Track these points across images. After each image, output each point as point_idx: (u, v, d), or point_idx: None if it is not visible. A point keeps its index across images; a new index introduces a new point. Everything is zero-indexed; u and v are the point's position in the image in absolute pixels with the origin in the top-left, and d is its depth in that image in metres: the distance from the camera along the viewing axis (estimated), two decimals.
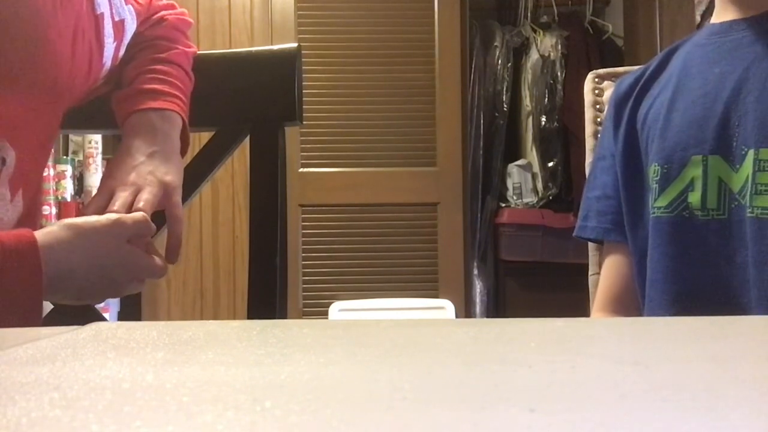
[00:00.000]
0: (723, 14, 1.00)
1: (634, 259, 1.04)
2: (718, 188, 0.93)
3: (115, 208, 0.84)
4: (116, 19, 0.95)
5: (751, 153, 0.90)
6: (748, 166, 0.90)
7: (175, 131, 0.94)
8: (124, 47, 0.98)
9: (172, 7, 1.05)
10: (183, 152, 0.96)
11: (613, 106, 1.08)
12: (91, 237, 0.79)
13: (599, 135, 1.13)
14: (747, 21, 0.96)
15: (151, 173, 0.88)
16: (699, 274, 0.94)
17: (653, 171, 0.98)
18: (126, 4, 0.97)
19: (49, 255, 0.74)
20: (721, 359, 0.38)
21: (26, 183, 0.85)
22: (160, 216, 0.88)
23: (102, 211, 0.84)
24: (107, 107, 0.98)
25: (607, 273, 1.09)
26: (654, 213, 0.97)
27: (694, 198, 0.94)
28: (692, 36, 1.07)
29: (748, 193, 0.90)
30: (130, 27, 0.98)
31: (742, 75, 0.93)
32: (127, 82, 0.96)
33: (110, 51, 0.95)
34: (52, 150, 0.94)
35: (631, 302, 1.06)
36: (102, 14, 0.93)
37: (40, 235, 0.75)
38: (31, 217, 0.87)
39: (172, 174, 0.90)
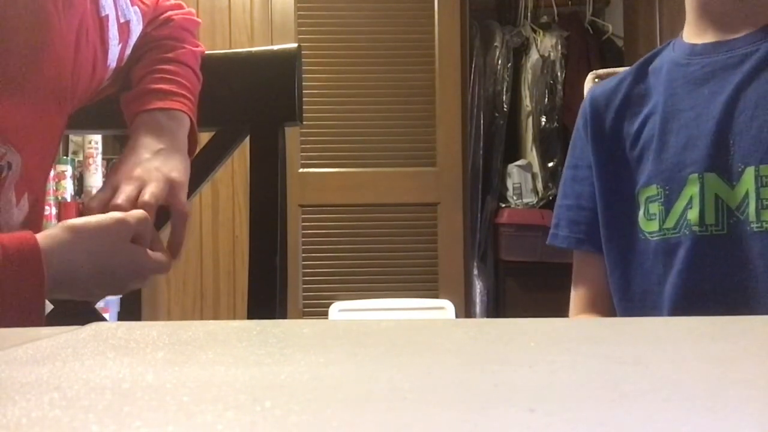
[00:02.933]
0: (701, 35, 1.03)
1: (610, 271, 1.05)
2: (715, 204, 0.95)
3: (119, 201, 0.83)
4: (122, 20, 0.95)
5: (750, 170, 0.93)
6: (746, 182, 0.93)
7: (182, 130, 0.94)
8: (130, 48, 0.98)
9: (180, 6, 1.05)
10: (191, 152, 0.96)
11: (591, 118, 1.08)
12: (94, 238, 0.78)
13: (571, 142, 1.13)
14: (729, 43, 0.99)
15: (157, 169, 0.88)
16: (697, 289, 0.96)
17: (654, 191, 1.00)
18: (132, 5, 0.97)
19: (51, 258, 0.74)
20: (721, 359, 0.38)
21: (31, 186, 0.84)
22: (164, 212, 0.88)
23: (106, 204, 0.84)
24: (109, 107, 0.98)
25: (582, 280, 1.11)
26: (664, 234, 0.99)
27: (693, 215, 0.96)
28: (662, 49, 1.08)
29: (751, 209, 0.92)
30: (136, 28, 0.97)
31: (732, 95, 0.96)
32: (135, 82, 0.96)
33: (115, 53, 0.95)
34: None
35: (607, 310, 1.07)
36: (107, 16, 0.92)
37: (41, 238, 0.75)
38: (35, 220, 0.87)
39: (178, 171, 0.90)
